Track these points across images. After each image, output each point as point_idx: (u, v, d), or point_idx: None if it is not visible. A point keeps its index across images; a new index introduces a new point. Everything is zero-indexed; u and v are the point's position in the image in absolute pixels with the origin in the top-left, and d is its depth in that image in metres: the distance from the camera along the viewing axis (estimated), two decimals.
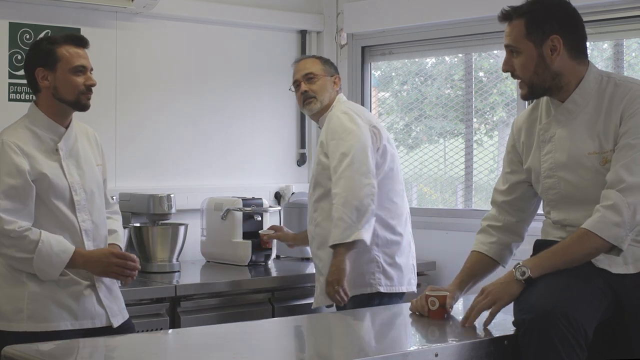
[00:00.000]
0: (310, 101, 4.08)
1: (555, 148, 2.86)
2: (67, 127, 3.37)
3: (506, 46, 2.88)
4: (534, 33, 2.81)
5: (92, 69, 3.37)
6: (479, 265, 3.09)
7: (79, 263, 3.26)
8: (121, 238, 3.57)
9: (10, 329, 3.24)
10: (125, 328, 3.41)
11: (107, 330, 3.34)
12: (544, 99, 2.95)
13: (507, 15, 2.88)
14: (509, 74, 2.92)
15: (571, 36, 2.83)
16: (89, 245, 3.33)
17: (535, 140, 2.94)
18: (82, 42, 3.36)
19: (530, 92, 2.88)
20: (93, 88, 3.35)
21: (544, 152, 2.89)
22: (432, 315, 2.93)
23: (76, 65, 3.31)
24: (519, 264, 2.75)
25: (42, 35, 4.54)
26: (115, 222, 3.59)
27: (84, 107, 3.35)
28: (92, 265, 3.27)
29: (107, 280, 3.39)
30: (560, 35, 2.81)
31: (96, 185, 3.41)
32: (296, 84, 4.14)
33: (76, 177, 3.33)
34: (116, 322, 3.37)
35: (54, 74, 3.30)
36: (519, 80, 2.90)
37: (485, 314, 2.79)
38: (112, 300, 3.39)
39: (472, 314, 2.79)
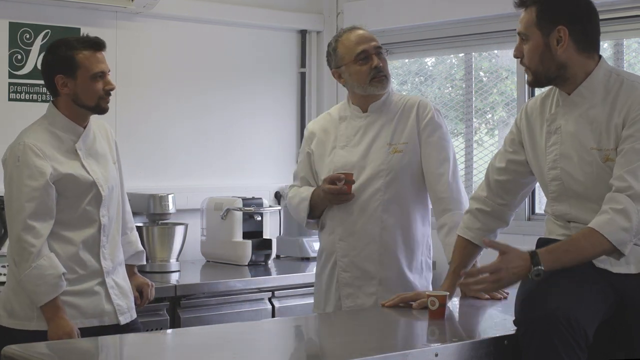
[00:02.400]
0: (382, 78, 3.51)
1: (560, 140, 2.85)
2: (85, 127, 3.39)
3: (518, 33, 2.88)
4: (543, 22, 2.81)
5: (109, 70, 3.39)
6: (467, 252, 3.14)
7: (53, 308, 3.23)
8: (144, 258, 3.74)
9: (21, 328, 3.27)
10: (133, 328, 3.44)
11: (115, 328, 3.36)
12: (556, 89, 2.93)
13: (522, 1, 2.87)
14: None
15: (579, 29, 2.81)
16: (103, 241, 3.37)
17: (541, 129, 2.93)
18: (99, 46, 3.36)
19: (534, 80, 2.89)
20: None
21: (550, 143, 2.88)
22: (431, 315, 2.93)
23: (96, 72, 3.32)
24: (536, 253, 2.70)
25: (42, 34, 4.54)
26: (138, 240, 3.70)
27: (103, 110, 3.39)
28: (55, 324, 3.22)
29: (117, 277, 3.44)
30: (567, 26, 2.79)
31: (114, 182, 3.45)
32: (364, 55, 3.51)
33: (99, 174, 3.37)
34: (123, 320, 3.40)
35: (74, 81, 3.31)
36: (525, 67, 2.91)
37: (490, 314, 2.79)
38: (121, 298, 3.43)
39: (474, 288, 2.77)
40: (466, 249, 3.13)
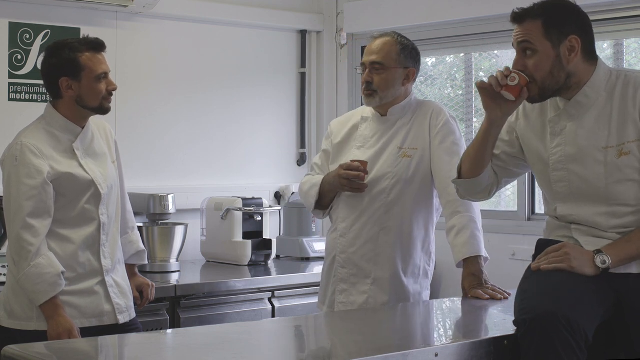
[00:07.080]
0: (367, 93, 3.56)
1: (565, 141, 2.83)
2: (83, 127, 3.40)
3: (521, 42, 2.80)
4: (552, 33, 2.78)
5: (110, 71, 3.40)
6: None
7: (52, 306, 3.23)
8: (145, 257, 3.75)
9: (21, 328, 3.28)
10: (133, 327, 3.45)
11: (115, 328, 3.36)
12: None
13: (520, 16, 2.81)
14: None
15: (586, 38, 2.81)
16: (103, 239, 3.38)
17: (542, 130, 2.91)
18: (101, 47, 3.39)
19: (540, 94, 2.82)
20: None
21: (554, 144, 2.86)
22: (508, 89, 2.79)
23: (99, 74, 3.34)
24: (600, 251, 2.72)
25: (42, 34, 4.55)
26: (139, 239, 3.71)
27: (106, 110, 3.41)
28: (54, 322, 3.22)
29: (117, 276, 3.45)
30: (578, 35, 2.79)
31: (113, 181, 3.46)
32: (363, 67, 3.59)
33: (97, 173, 3.38)
34: (122, 319, 3.41)
35: (79, 83, 3.33)
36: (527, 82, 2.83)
37: (496, 315, 2.78)
38: (120, 297, 3.43)
39: (543, 264, 2.76)
40: None
